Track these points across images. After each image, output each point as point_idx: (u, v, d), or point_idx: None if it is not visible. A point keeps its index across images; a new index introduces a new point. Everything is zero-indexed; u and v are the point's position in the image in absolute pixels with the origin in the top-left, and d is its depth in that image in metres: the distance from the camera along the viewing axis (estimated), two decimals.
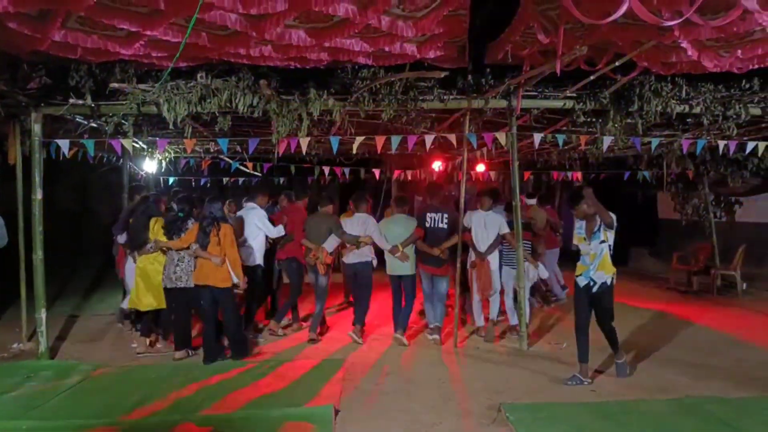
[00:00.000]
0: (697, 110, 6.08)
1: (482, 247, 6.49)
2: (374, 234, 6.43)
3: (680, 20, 3.45)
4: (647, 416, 4.26)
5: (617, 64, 4.85)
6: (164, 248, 5.79)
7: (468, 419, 4.24)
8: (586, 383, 4.98)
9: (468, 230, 6.53)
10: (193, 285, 5.63)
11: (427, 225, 6.47)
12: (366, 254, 6.57)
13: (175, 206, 5.97)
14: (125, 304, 6.46)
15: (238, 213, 6.83)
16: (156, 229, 5.83)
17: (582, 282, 5.05)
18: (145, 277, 5.88)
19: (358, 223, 6.50)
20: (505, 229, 6.45)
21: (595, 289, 4.98)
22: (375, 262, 6.75)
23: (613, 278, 4.97)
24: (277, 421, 4.14)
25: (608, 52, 4.87)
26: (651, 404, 4.52)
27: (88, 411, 4.36)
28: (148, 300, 5.88)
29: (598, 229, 4.92)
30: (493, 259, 6.53)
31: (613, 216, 4.87)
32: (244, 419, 4.17)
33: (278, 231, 6.72)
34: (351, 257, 6.56)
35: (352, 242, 6.45)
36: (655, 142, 7.27)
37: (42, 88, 5.56)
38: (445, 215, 6.45)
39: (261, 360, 5.72)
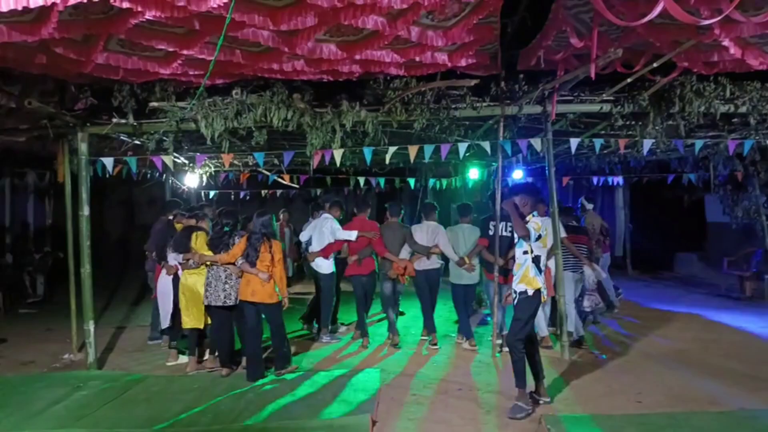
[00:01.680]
0: (743, 109, 5.85)
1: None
2: (443, 243, 6.46)
3: (719, 18, 3.33)
4: (698, 430, 4.08)
5: (655, 65, 4.71)
6: (209, 263, 5.61)
7: (507, 431, 4.15)
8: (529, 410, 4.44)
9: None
10: (239, 303, 5.51)
11: (491, 232, 6.30)
12: (435, 261, 6.65)
13: (219, 221, 5.89)
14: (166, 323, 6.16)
15: (312, 222, 7.01)
16: (199, 244, 5.68)
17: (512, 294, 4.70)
18: (188, 294, 5.73)
19: (427, 232, 6.56)
20: (562, 233, 6.32)
21: (515, 301, 4.58)
22: (443, 268, 6.85)
23: (537, 292, 4.47)
24: (315, 431, 4.16)
25: (646, 53, 4.74)
26: (702, 417, 4.33)
27: (133, 420, 4.49)
28: (190, 319, 5.74)
29: (522, 237, 4.54)
30: (551, 263, 6.31)
31: (532, 229, 4.45)
32: (282, 429, 4.20)
33: (350, 235, 6.63)
34: (422, 264, 6.60)
35: (422, 252, 6.49)
36: (699, 143, 7.01)
37: (88, 108, 5.81)
38: (509, 223, 6.20)
39: (299, 370, 5.76)
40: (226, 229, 5.70)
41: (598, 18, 3.90)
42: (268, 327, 5.63)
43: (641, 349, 6.39)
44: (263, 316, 5.57)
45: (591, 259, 6.65)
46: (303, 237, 7.25)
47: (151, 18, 3.49)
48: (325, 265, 6.89)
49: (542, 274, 4.54)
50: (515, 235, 6.13)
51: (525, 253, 4.54)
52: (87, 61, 4.33)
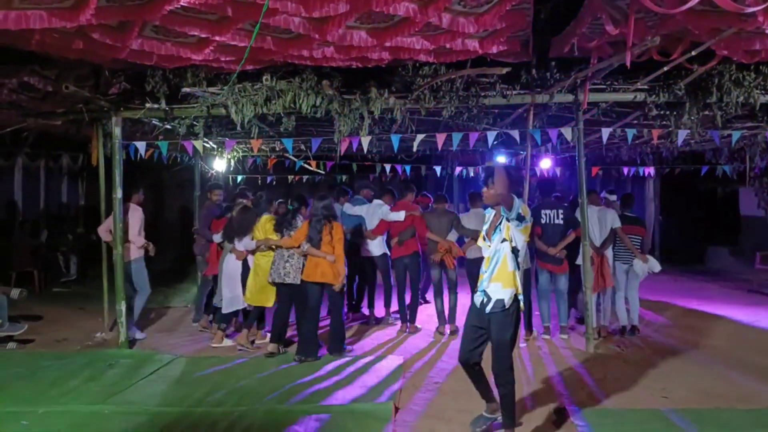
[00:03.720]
0: None
1: (597, 243, 6.37)
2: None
3: (765, 5, 3.21)
4: (726, 427, 4.02)
5: (693, 53, 4.57)
6: (274, 247, 5.83)
7: (531, 422, 4.14)
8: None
9: (580, 225, 6.28)
10: (299, 282, 5.68)
11: (543, 221, 6.33)
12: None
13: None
14: (221, 304, 6.28)
15: (365, 207, 7.17)
16: (268, 228, 5.86)
17: (477, 299, 3.77)
18: (260, 273, 5.94)
19: (476, 218, 6.55)
20: (617, 224, 6.36)
21: (488, 309, 3.63)
22: None
23: (515, 298, 3.64)
24: (338, 415, 4.22)
25: (683, 41, 4.60)
26: (730, 414, 4.26)
27: (163, 399, 4.61)
28: (260, 296, 5.95)
29: (500, 223, 3.71)
30: (609, 254, 6.47)
31: (519, 205, 3.55)
32: (305, 413, 4.27)
33: (399, 215, 6.72)
34: (472, 252, 6.45)
35: (472, 235, 6.42)
36: (736, 134, 6.82)
37: (121, 93, 5.93)
38: (561, 211, 6.33)
39: (324, 355, 5.83)
40: (291, 207, 5.98)
41: (635, 4, 3.79)
42: (329, 307, 5.88)
43: (668, 344, 6.29)
44: (327, 295, 5.79)
45: (644, 251, 6.58)
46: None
47: (185, 5, 3.52)
48: (376, 247, 7.04)
49: (520, 271, 3.73)
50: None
51: (504, 241, 3.66)
52: (122, 46, 4.40)
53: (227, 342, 6.17)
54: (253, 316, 6.14)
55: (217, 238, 6.57)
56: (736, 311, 8.06)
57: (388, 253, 7.09)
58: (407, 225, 6.69)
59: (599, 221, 6.44)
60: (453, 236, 6.68)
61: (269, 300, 5.97)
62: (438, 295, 6.74)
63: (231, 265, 6.16)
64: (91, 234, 10.53)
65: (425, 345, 6.29)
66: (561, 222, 6.31)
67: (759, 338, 6.57)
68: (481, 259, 6.37)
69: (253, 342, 6.14)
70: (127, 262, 6.31)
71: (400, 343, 6.34)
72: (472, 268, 6.45)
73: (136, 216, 6.51)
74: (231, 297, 6.12)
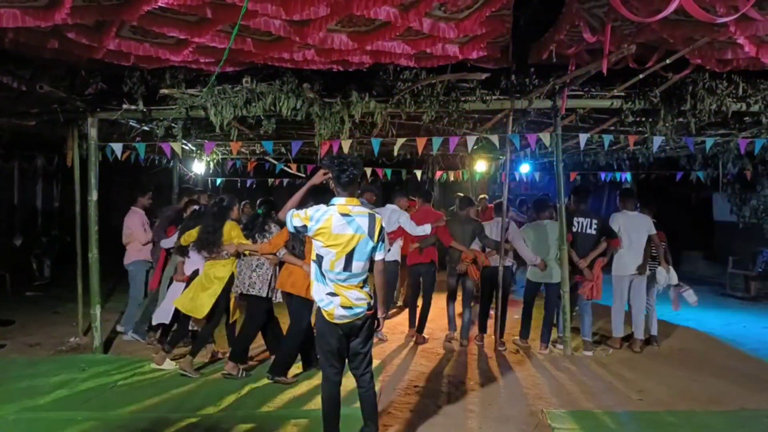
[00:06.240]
0: (755, 108, 5.80)
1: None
2: (516, 241, 6.19)
3: (736, 16, 3.29)
4: (700, 428, 4.10)
5: (668, 61, 4.67)
6: (247, 252, 5.23)
7: (508, 425, 4.17)
8: None
9: (616, 236, 6.13)
10: (265, 295, 5.21)
11: (575, 230, 6.14)
12: (507, 258, 6.35)
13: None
14: (160, 318, 5.69)
15: (377, 211, 6.78)
16: (234, 234, 5.19)
17: None
18: (203, 281, 5.24)
19: (498, 228, 6.34)
20: (653, 231, 6.21)
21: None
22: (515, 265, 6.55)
23: (318, 312, 3.53)
24: (317, 420, 4.19)
25: (659, 49, 4.71)
26: (704, 416, 4.35)
27: (138, 404, 4.53)
28: (191, 305, 5.18)
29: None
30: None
31: (291, 216, 3.48)
32: (284, 418, 4.25)
33: (423, 230, 6.33)
34: (494, 261, 6.34)
35: (494, 248, 6.28)
36: (709, 141, 6.98)
37: (98, 94, 5.82)
38: (594, 220, 6.13)
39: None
40: (260, 211, 5.41)
41: (612, 13, 3.86)
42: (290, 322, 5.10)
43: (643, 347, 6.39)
44: (292, 309, 5.08)
45: (667, 259, 6.40)
46: None
47: (163, 5, 3.48)
48: (390, 254, 6.62)
49: (327, 284, 3.43)
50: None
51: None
52: (99, 46, 4.33)
53: (169, 364, 5.38)
54: (201, 339, 5.34)
55: (165, 243, 6.04)
56: (710, 314, 8.23)
57: (399, 261, 6.87)
58: (431, 233, 6.38)
59: (636, 228, 6.17)
60: (476, 244, 6.37)
61: (200, 311, 5.15)
62: (451, 301, 6.59)
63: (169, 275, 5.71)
64: (66, 236, 10.35)
65: (410, 351, 6.29)
66: (594, 232, 6.08)
67: (732, 341, 6.71)
68: (496, 268, 6.19)
69: (198, 369, 5.38)
70: (127, 264, 6.46)
71: (375, 348, 6.32)
72: (486, 277, 6.37)
73: (134, 219, 6.56)
74: (161, 308, 5.63)
